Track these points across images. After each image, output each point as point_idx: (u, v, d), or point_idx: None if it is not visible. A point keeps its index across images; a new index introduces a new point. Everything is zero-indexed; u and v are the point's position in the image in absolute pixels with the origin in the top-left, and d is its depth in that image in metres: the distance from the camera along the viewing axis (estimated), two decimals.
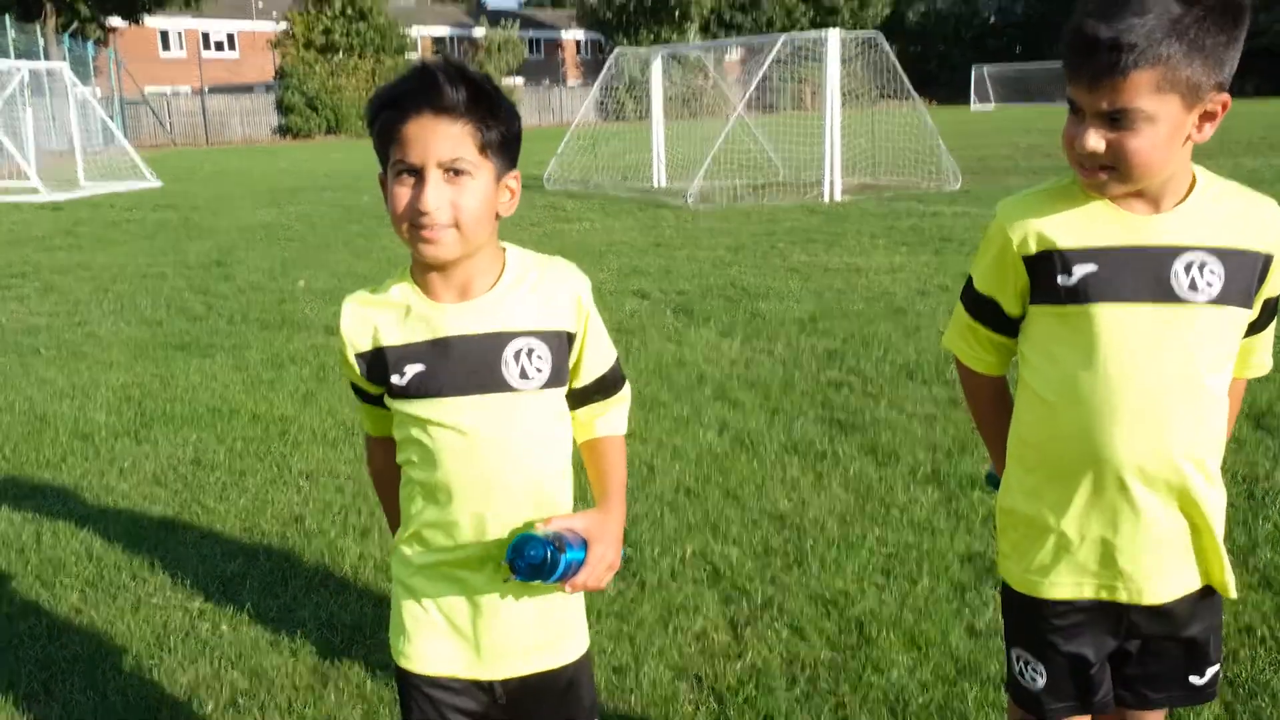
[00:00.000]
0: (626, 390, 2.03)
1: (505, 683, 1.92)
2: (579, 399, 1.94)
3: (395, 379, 1.81)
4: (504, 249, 1.88)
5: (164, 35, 59.03)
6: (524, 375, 1.81)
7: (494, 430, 1.81)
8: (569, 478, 1.94)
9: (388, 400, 1.86)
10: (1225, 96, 1.72)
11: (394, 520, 2.01)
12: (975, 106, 63.27)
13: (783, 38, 17.00)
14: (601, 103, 22.07)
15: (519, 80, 62.66)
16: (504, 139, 1.76)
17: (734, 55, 35.81)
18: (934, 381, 5.99)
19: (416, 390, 1.80)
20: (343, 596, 3.67)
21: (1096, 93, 1.68)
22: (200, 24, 59.65)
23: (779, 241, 11.76)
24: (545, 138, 24.70)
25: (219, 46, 60.93)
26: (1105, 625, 1.94)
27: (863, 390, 5.92)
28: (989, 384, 2.08)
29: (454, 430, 1.80)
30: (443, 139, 1.70)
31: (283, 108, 50.92)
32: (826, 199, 15.79)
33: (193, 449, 5.29)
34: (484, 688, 1.92)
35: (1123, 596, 1.90)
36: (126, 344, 7.64)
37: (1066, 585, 1.92)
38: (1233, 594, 1.93)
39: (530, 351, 1.81)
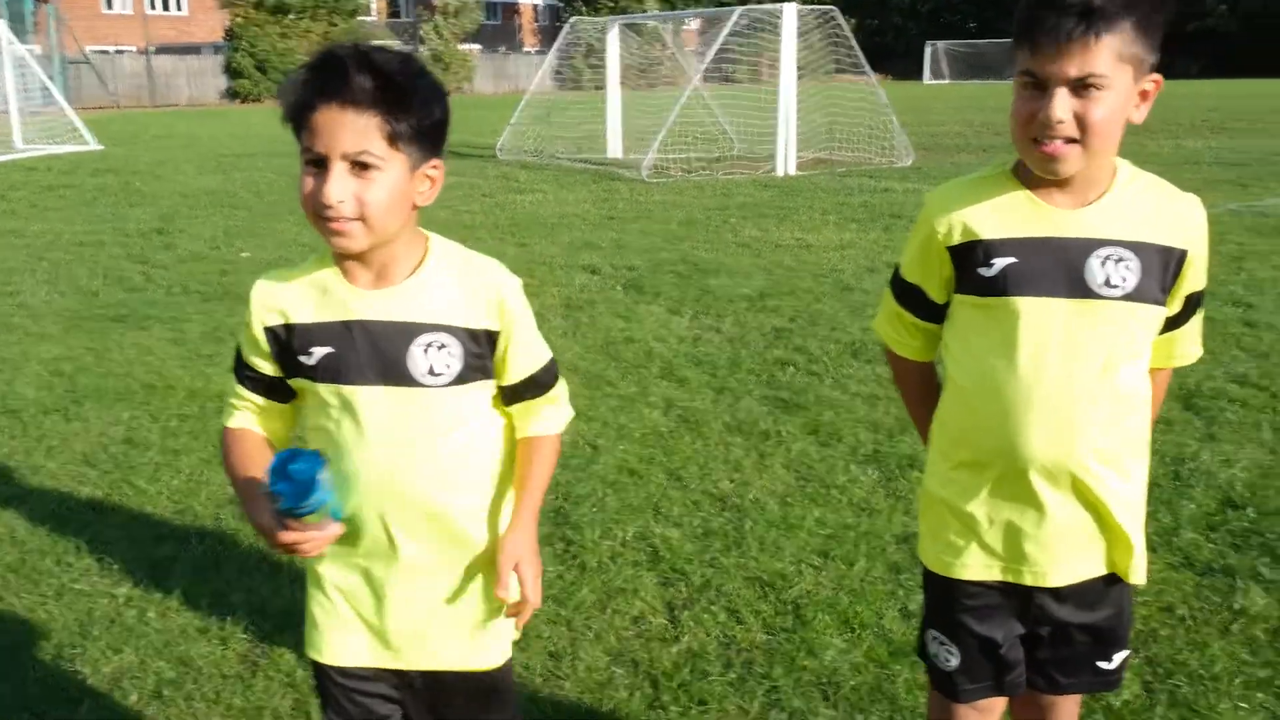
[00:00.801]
0: (561, 389, 1.98)
1: (422, 674, 1.91)
2: (510, 396, 1.91)
3: (304, 359, 1.78)
4: (427, 238, 1.83)
5: None
6: (432, 371, 1.77)
7: (394, 424, 1.77)
8: (484, 486, 1.90)
9: (296, 383, 1.82)
10: (1159, 76, 1.75)
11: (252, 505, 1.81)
12: (929, 81, 63.58)
13: (739, 9, 16.92)
14: (558, 71, 21.88)
15: (475, 46, 61.87)
16: (417, 130, 1.70)
17: (692, 25, 35.66)
18: (878, 360, 6.01)
19: (323, 373, 1.77)
20: (275, 582, 3.61)
21: (1065, 59, 1.67)
22: None
23: (731, 216, 11.75)
24: (500, 105, 24.49)
25: (166, 4, 59.36)
26: (1013, 609, 1.98)
27: (808, 369, 5.93)
28: (916, 369, 2.10)
29: (355, 419, 1.77)
30: (348, 131, 1.64)
31: (231, 70, 49.93)
32: (780, 173, 15.80)
33: (125, 427, 5.17)
34: (399, 674, 1.91)
35: (1028, 580, 1.93)
36: (59, 315, 7.46)
37: (977, 567, 1.95)
38: (1139, 581, 1.96)
39: (441, 346, 1.77)
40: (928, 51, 66.26)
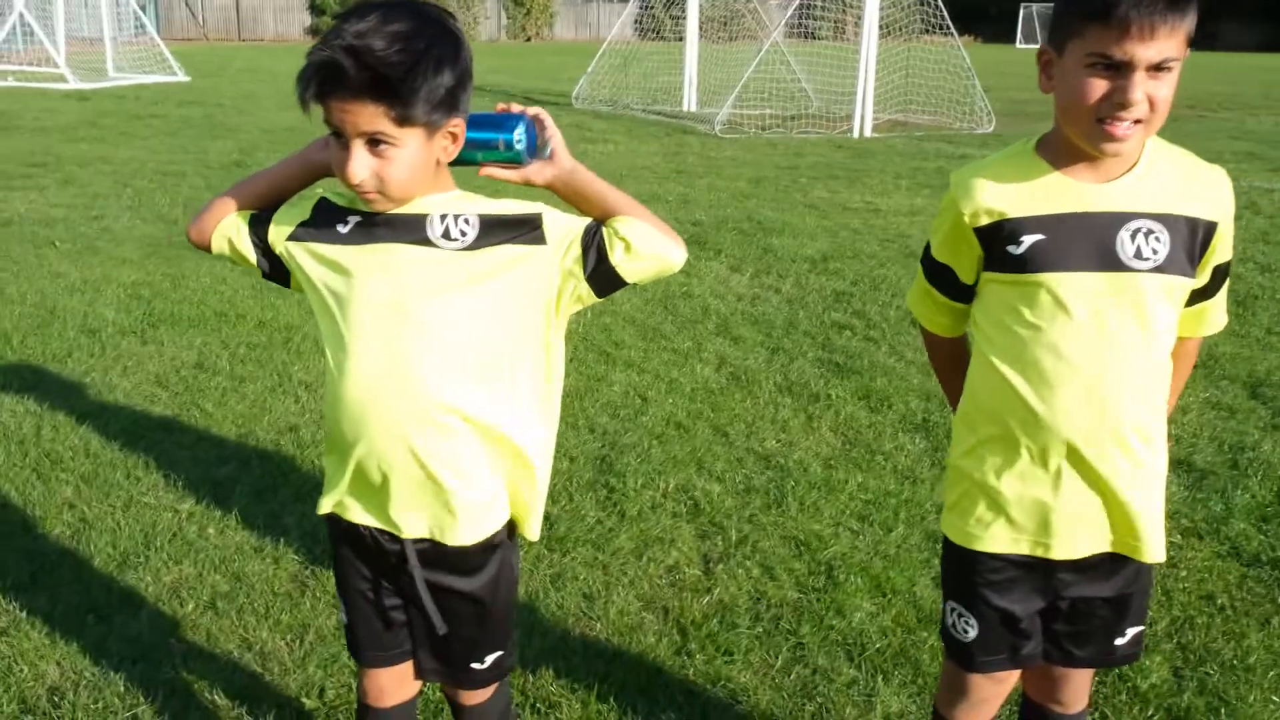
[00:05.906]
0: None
1: (416, 543, 1.94)
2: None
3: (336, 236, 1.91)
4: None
5: None
6: (446, 235, 1.86)
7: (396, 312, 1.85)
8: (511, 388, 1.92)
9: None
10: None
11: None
12: (1021, 46, 61.92)
13: None
14: (638, 20, 21.74)
15: None
16: (426, 107, 1.72)
17: None
18: None
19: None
20: None
21: (1154, 43, 1.66)
22: None
23: (801, 176, 11.66)
24: (579, 53, 24.41)
25: None
26: (1034, 583, 1.99)
27: (865, 334, 5.93)
28: (947, 344, 2.13)
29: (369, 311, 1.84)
30: (359, 116, 1.70)
31: (315, 7, 50.30)
32: (856, 134, 15.58)
33: (197, 352, 5.37)
34: (397, 542, 1.94)
35: (1054, 554, 1.94)
36: (140, 241, 7.70)
37: (1002, 540, 1.96)
38: (1160, 558, 1.95)
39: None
40: (1022, 14, 64.47)
